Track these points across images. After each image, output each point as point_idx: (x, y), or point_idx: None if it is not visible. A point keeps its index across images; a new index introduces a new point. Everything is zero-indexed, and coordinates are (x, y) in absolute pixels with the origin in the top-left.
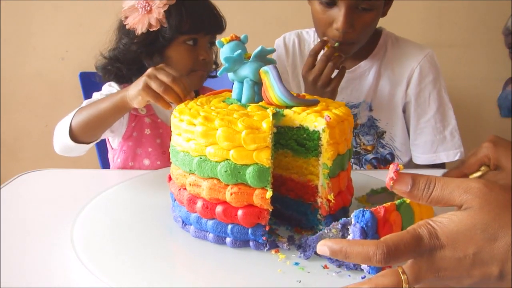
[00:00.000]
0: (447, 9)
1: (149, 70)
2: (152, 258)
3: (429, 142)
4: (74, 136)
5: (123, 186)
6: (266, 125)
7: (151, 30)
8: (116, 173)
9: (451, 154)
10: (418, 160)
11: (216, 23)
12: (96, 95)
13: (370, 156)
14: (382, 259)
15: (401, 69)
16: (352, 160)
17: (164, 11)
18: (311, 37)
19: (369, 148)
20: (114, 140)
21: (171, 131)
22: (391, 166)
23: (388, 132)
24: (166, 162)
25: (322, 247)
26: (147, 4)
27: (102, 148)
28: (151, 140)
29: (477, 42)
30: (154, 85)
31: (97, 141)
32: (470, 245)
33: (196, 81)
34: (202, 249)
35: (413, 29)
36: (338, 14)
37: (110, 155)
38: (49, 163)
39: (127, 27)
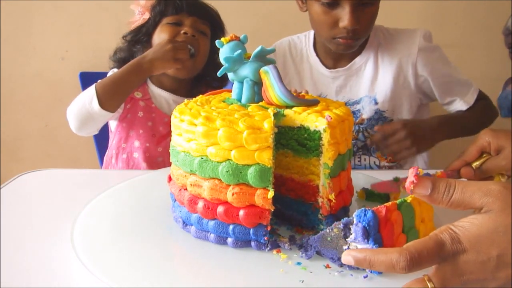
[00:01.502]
0: (447, 9)
1: (170, 43)
2: (152, 258)
3: (460, 90)
4: (100, 101)
5: (123, 186)
6: (267, 125)
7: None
8: (116, 173)
9: (473, 92)
10: (462, 107)
11: (199, 8)
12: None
13: None
14: (405, 266)
15: (401, 57)
16: (361, 152)
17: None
18: (302, 42)
19: None
20: (113, 123)
21: (163, 117)
22: (411, 170)
23: (395, 118)
24: (155, 145)
25: (347, 257)
26: (141, 8)
27: (102, 148)
28: (143, 122)
29: (477, 42)
30: (182, 55)
31: (114, 113)
32: (493, 248)
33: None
34: (203, 249)
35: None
36: (343, 13)
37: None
38: (49, 163)
39: (131, 25)
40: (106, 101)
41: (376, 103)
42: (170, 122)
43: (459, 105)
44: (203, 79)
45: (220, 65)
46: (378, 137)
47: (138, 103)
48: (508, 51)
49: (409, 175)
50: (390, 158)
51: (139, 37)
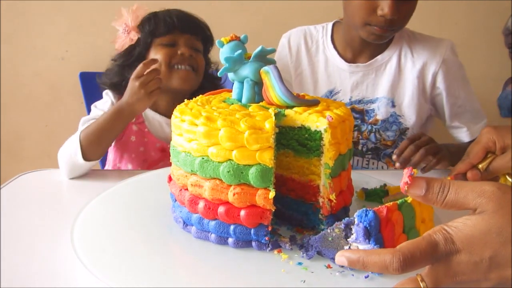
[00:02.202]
0: (447, 9)
1: (136, 81)
2: (152, 258)
3: (469, 119)
4: (84, 154)
5: (123, 186)
6: (269, 125)
7: (131, 44)
8: (116, 173)
9: (481, 124)
10: (465, 139)
11: (190, 24)
12: (93, 110)
13: (389, 150)
14: (399, 267)
15: (425, 63)
16: (370, 155)
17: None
18: (319, 33)
19: (389, 143)
20: None
21: (155, 143)
22: (405, 170)
23: (411, 129)
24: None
25: (340, 257)
26: (126, 26)
27: None
28: (135, 147)
29: (477, 42)
30: (152, 86)
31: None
32: (486, 249)
33: (178, 79)
34: (203, 250)
35: (413, 29)
36: (384, 1)
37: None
38: (49, 163)
39: (116, 49)
40: (90, 153)
41: (394, 105)
42: (162, 148)
43: (464, 135)
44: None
45: (214, 77)
46: (406, 142)
47: (132, 127)
48: (508, 51)
49: (404, 175)
50: (399, 165)
51: (132, 61)
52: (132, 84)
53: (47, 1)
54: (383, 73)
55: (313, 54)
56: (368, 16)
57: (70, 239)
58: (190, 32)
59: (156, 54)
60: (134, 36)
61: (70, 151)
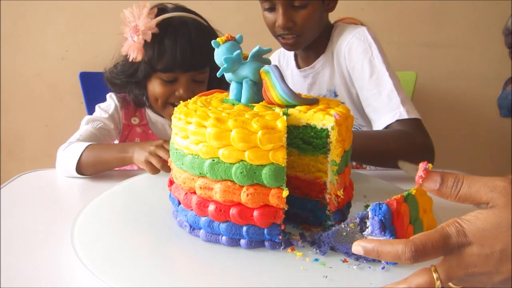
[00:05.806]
0: (447, 9)
1: (152, 148)
2: (152, 258)
3: (373, 110)
4: (80, 170)
5: (123, 186)
6: (281, 124)
7: (134, 61)
8: (116, 173)
9: (389, 116)
10: (376, 127)
11: (195, 62)
12: (97, 110)
13: None
14: (410, 257)
15: (338, 51)
16: None
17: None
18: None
19: None
20: (116, 140)
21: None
22: (421, 165)
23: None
24: None
25: (357, 247)
26: (134, 35)
27: None
28: None
29: (477, 42)
30: (154, 161)
31: None
32: (496, 242)
33: (171, 114)
34: (199, 249)
35: (413, 29)
36: (277, 14)
37: None
38: (49, 163)
39: (121, 50)
40: (83, 171)
41: (336, 95)
42: None
43: (375, 125)
44: None
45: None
46: None
47: (136, 129)
48: (508, 51)
49: (419, 169)
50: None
51: (130, 80)
52: (146, 156)
53: (47, 1)
54: (327, 70)
55: (284, 69)
56: (272, 28)
57: (70, 239)
58: (193, 69)
59: (153, 86)
60: (138, 54)
61: (69, 164)
